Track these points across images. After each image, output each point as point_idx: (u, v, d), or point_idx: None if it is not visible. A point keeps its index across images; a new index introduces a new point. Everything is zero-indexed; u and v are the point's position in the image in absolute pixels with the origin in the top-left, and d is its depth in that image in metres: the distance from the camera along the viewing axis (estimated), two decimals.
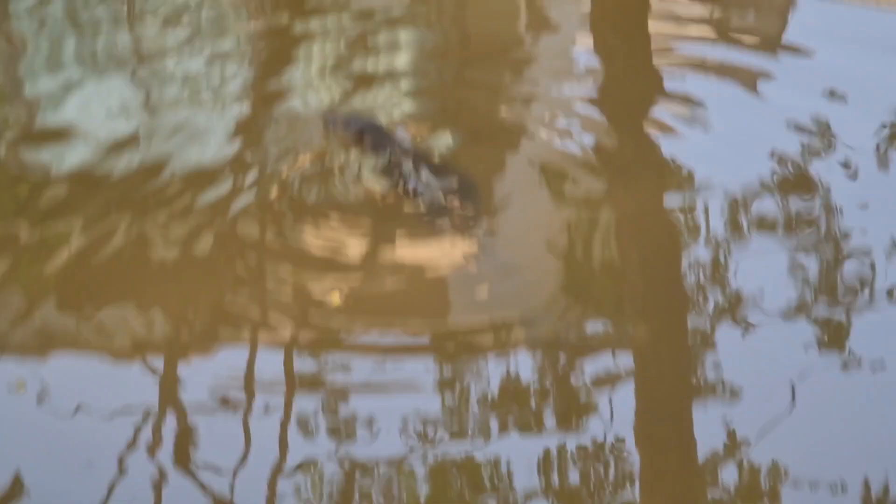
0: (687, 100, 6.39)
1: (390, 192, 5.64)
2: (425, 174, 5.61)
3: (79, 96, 6.68)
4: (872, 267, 5.05)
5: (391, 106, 6.56)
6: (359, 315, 4.94)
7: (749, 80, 6.50)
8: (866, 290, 4.96)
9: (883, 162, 5.77)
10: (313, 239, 5.36)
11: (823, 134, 5.97)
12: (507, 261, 5.23)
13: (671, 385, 4.67)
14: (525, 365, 4.69)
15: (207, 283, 5.20)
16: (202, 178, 5.79)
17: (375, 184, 5.71)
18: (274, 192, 5.69)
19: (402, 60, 7.14)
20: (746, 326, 4.81)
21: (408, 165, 5.66)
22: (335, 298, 5.00)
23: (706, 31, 7.21)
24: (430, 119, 6.43)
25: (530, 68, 6.98)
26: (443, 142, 6.13)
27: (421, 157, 5.78)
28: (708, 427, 4.35)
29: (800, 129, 6.02)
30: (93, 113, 6.46)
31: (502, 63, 6.96)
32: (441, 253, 5.30)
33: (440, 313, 5.04)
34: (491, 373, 4.67)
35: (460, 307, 5.06)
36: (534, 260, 5.30)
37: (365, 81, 6.86)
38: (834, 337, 4.74)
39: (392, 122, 6.30)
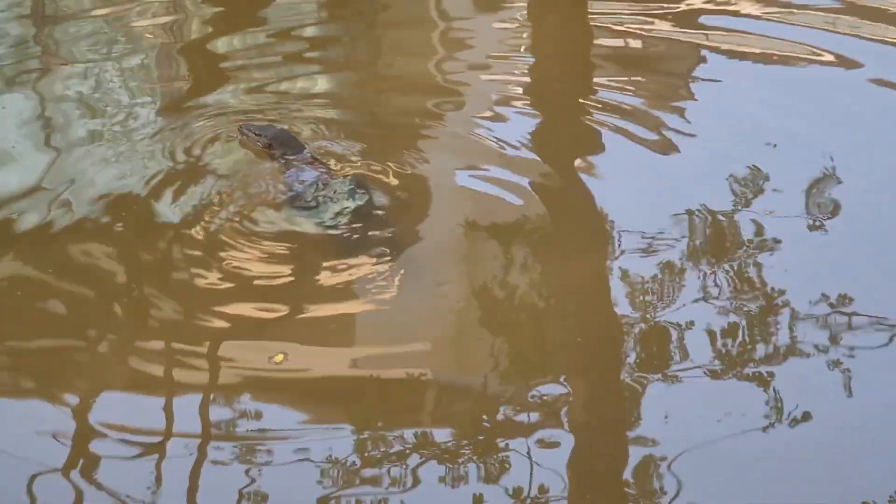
0: (608, 149, 6.31)
1: (297, 204, 5.66)
2: (333, 187, 5.70)
3: None
4: (793, 327, 5.01)
5: (308, 121, 6.54)
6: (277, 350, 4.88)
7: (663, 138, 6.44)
8: (788, 349, 4.92)
9: (804, 222, 5.71)
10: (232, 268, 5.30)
11: (747, 186, 5.91)
12: (426, 302, 5.15)
13: (604, 446, 4.61)
14: (447, 412, 4.65)
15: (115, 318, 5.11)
16: (117, 203, 5.72)
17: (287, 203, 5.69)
18: (195, 219, 5.61)
19: (321, 83, 7.09)
20: (674, 382, 4.75)
21: (313, 177, 5.79)
22: (279, 358, 4.88)
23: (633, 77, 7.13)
24: (347, 135, 6.37)
25: (451, 102, 6.88)
26: (356, 162, 6.09)
27: (331, 171, 5.86)
28: (641, 479, 4.33)
29: (724, 180, 5.95)
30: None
31: (422, 93, 6.86)
32: (360, 285, 5.21)
33: (356, 352, 4.97)
34: (410, 425, 4.59)
35: (377, 345, 4.98)
36: (454, 303, 5.21)
37: (283, 97, 6.87)
38: (758, 392, 4.71)
39: (306, 136, 6.31)
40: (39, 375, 4.86)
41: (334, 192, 5.70)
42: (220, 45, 7.62)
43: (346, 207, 5.64)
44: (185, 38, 7.75)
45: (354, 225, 5.54)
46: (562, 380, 4.80)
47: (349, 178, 5.84)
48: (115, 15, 7.92)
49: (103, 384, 4.81)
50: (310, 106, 6.72)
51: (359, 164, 6.07)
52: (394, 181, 5.92)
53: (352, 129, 6.41)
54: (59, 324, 5.10)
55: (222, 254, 5.37)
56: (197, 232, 5.52)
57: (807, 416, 4.57)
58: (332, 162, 6.07)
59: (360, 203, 5.65)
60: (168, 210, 5.71)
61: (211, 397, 4.74)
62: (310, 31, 7.74)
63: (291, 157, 6.02)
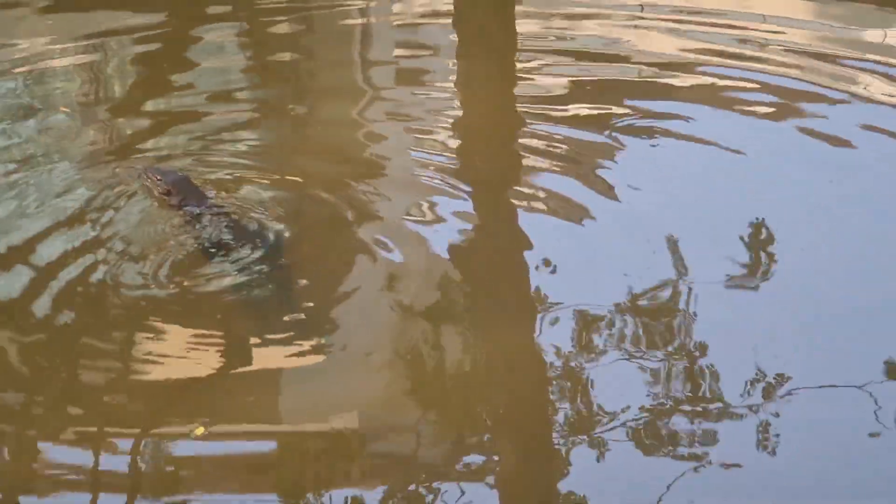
0: (535, 216, 6.29)
1: (208, 253, 5.61)
2: (228, 236, 5.68)
3: None
4: (717, 383, 5.02)
5: (223, 168, 6.52)
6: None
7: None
8: (714, 404, 4.93)
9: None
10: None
11: (673, 248, 5.90)
12: (351, 370, 5.09)
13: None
14: (375, 481, 4.58)
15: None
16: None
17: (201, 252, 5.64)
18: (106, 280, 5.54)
19: (244, 146, 7.00)
20: (602, 444, 4.72)
21: (210, 226, 5.75)
22: (199, 430, 4.77)
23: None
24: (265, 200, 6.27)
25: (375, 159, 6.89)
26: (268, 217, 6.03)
27: (231, 221, 5.81)
28: None
29: (647, 241, 5.95)
30: None
31: (344, 161, 6.80)
32: (282, 354, 5.14)
33: (280, 422, 4.90)
34: (338, 495, 4.52)
35: (302, 415, 4.91)
36: (380, 371, 5.15)
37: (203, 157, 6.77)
38: (684, 447, 4.71)
39: (210, 184, 6.27)
40: None
41: (240, 241, 5.64)
42: (149, 105, 7.52)
43: (254, 258, 5.58)
44: (108, 100, 7.64)
45: (268, 282, 5.48)
46: (489, 444, 4.76)
47: (257, 229, 5.79)
48: (35, 73, 7.82)
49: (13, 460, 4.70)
50: (233, 167, 6.62)
51: (271, 218, 5.99)
52: (311, 246, 5.89)
53: (272, 195, 6.32)
54: None
55: (134, 319, 5.29)
56: (110, 295, 5.43)
57: (736, 465, 4.60)
58: (236, 213, 5.99)
59: (268, 255, 5.58)
60: (74, 270, 5.59)
61: (128, 469, 4.64)
62: (237, 95, 7.67)
63: (192, 207, 5.90)
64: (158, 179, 6.04)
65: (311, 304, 5.40)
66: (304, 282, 5.56)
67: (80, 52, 8.08)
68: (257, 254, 5.62)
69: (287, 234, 5.87)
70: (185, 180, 6.06)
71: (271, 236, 5.77)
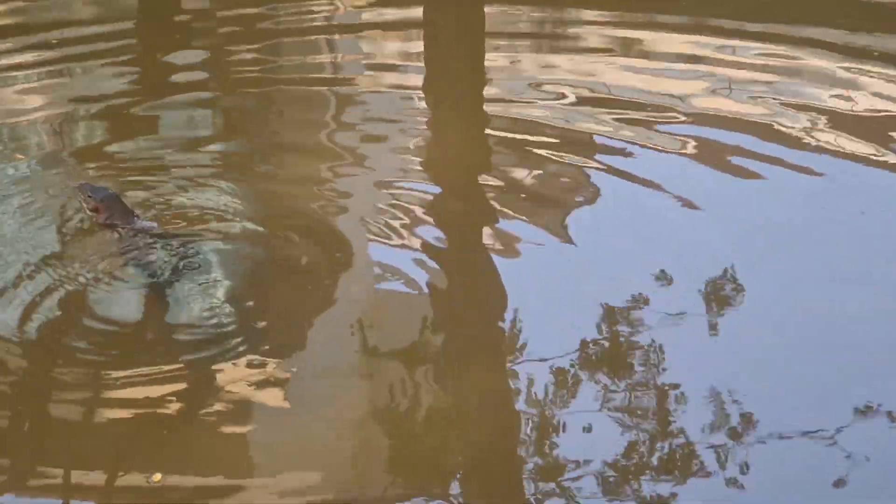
0: (508, 260, 6.23)
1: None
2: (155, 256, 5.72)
3: None
4: (689, 430, 4.96)
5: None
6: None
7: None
8: (683, 453, 4.88)
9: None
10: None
11: (648, 285, 5.85)
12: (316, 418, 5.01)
13: None
14: None
15: None
16: None
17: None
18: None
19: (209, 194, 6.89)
20: (570, 494, 4.67)
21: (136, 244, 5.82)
22: (157, 477, 4.69)
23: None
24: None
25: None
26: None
27: (163, 240, 5.86)
28: None
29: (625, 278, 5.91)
30: None
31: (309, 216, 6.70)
32: (243, 397, 5.08)
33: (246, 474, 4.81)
34: None
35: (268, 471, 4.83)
36: (347, 420, 5.07)
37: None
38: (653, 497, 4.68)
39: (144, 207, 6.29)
40: None
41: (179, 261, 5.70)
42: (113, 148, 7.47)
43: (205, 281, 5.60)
44: (73, 144, 7.59)
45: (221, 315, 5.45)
46: (456, 490, 4.70)
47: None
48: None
49: None
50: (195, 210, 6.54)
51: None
52: (279, 287, 5.82)
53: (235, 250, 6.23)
54: None
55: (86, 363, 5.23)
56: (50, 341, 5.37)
57: None
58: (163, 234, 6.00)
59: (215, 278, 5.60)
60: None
61: None
62: (205, 147, 7.62)
63: (119, 224, 5.95)
64: (89, 196, 6.06)
65: (276, 344, 5.35)
66: (262, 324, 5.51)
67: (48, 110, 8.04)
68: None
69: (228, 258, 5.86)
70: (113, 198, 6.08)
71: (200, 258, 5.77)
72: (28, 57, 8.77)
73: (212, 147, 7.49)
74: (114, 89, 8.21)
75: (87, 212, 6.10)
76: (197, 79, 8.49)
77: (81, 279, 5.73)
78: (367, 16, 9.78)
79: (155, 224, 6.08)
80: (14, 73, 8.49)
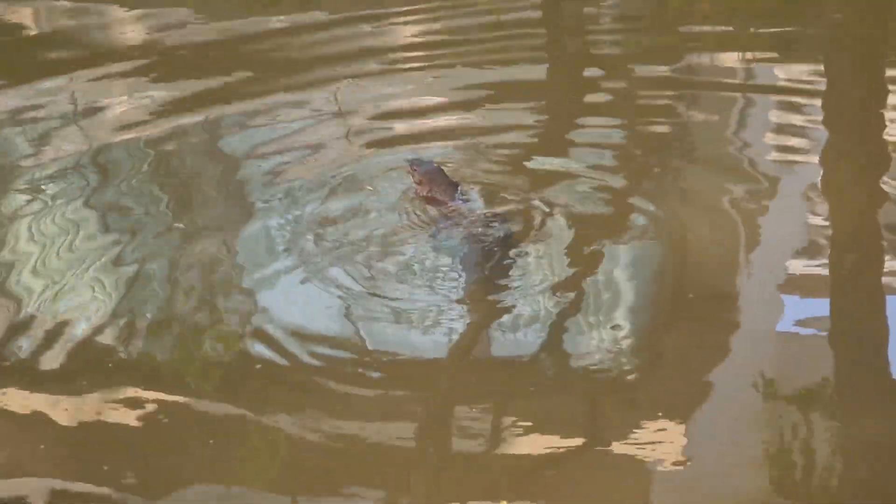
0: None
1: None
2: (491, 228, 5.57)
3: None
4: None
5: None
6: None
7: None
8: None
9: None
10: None
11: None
12: None
13: None
14: None
15: None
16: None
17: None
18: None
19: None
20: None
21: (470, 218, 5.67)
22: None
23: None
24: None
25: None
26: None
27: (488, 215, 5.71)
28: None
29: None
30: None
31: None
32: None
33: None
34: None
35: None
36: None
37: None
38: None
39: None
40: None
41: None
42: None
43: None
44: None
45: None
46: None
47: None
48: None
49: None
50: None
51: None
52: None
53: None
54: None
55: None
56: None
57: None
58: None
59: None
60: None
61: None
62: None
63: (440, 199, 5.85)
64: (414, 169, 6.01)
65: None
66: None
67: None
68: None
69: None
70: (436, 171, 5.98)
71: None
72: None
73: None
74: None
75: (414, 184, 6.02)
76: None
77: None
78: None
79: (480, 203, 5.95)
80: None
